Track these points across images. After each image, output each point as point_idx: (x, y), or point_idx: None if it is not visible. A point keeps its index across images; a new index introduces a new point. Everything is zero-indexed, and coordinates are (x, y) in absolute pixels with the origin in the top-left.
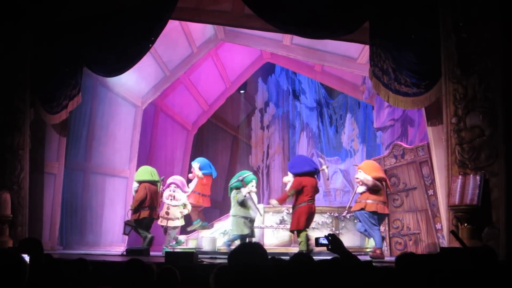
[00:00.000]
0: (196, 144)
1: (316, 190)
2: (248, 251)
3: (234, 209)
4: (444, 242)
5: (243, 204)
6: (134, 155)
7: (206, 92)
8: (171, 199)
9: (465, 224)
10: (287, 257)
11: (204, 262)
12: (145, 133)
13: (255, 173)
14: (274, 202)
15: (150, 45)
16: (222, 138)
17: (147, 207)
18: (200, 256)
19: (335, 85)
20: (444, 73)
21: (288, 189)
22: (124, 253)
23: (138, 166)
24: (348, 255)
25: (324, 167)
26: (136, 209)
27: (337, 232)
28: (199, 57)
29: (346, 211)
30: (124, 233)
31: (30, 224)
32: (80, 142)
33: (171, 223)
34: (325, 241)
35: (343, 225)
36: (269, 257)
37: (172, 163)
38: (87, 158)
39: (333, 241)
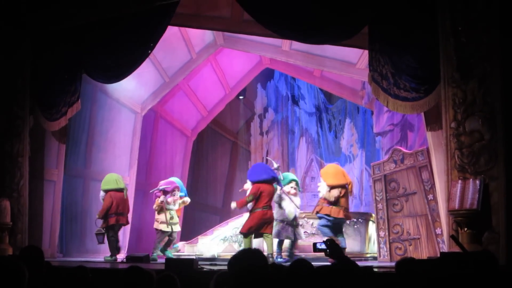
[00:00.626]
0: (196, 150)
1: (272, 197)
2: (248, 257)
3: (275, 212)
4: (444, 247)
5: (280, 206)
6: (134, 162)
7: (205, 98)
8: (174, 204)
9: (465, 229)
10: (287, 263)
11: (204, 269)
12: (144, 139)
13: None
14: (233, 205)
15: (149, 51)
16: (221, 143)
17: (113, 214)
18: (200, 262)
19: (334, 90)
20: (443, 77)
21: (247, 195)
22: (124, 260)
23: (138, 173)
24: (346, 260)
25: (275, 166)
26: (104, 218)
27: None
28: (198, 63)
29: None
30: (100, 243)
31: (29, 232)
32: (80, 148)
33: (175, 228)
34: (323, 247)
35: (343, 230)
36: (269, 263)
37: (172, 169)
38: (87, 165)
39: (331, 247)
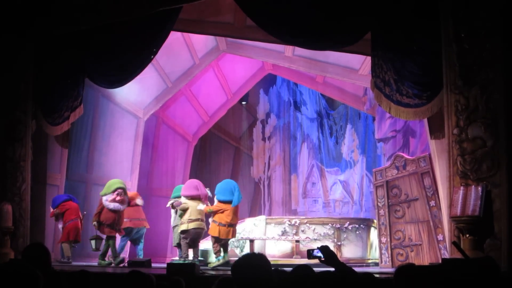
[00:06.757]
0: (199, 155)
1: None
2: (251, 263)
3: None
4: (446, 253)
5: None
6: (136, 167)
7: (207, 103)
8: None
9: (467, 235)
10: (289, 269)
11: (206, 274)
12: (146, 144)
13: (257, 184)
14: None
15: (152, 57)
16: (224, 149)
17: None
18: (201, 267)
19: (336, 96)
20: (445, 84)
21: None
22: (126, 264)
23: (139, 178)
24: (342, 267)
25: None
26: None
27: (339, 243)
28: (201, 69)
29: None
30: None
31: (31, 236)
32: (82, 153)
33: None
34: (318, 254)
35: (345, 236)
36: (272, 268)
37: (173, 174)
38: (89, 170)
39: (327, 254)
